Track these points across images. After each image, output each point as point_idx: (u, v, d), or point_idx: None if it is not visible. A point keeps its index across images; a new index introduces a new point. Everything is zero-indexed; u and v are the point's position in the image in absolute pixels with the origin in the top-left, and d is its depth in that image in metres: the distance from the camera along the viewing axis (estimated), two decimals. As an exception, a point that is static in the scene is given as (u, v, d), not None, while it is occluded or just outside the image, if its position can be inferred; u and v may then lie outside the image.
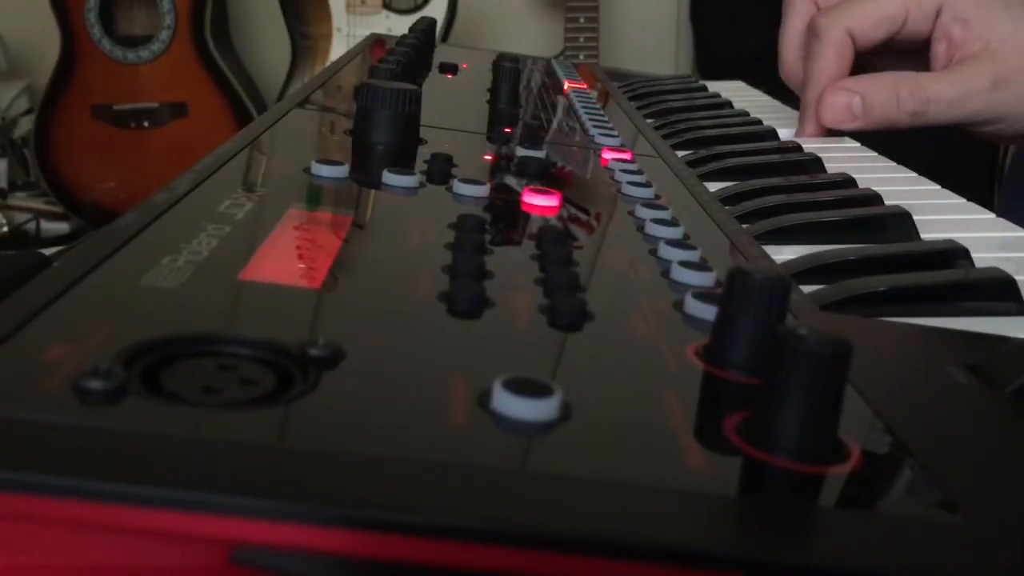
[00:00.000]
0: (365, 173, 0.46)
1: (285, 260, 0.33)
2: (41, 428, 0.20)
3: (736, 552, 0.20)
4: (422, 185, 0.44)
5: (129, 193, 2.01)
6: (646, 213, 0.44)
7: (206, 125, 2.03)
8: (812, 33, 0.70)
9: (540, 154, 0.51)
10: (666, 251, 0.38)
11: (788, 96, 0.95)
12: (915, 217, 0.49)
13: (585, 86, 0.75)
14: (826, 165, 0.63)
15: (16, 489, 0.18)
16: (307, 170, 0.44)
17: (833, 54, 0.69)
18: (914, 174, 0.64)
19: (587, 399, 0.25)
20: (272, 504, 0.19)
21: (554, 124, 0.68)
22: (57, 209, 2.06)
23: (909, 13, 0.68)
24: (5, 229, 2.01)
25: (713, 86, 0.97)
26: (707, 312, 0.31)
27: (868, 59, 0.71)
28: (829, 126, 0.69)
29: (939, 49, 0.68)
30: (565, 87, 0.73)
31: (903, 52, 0.70)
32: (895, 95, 0.66)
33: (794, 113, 0.89)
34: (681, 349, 0.29)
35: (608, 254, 0.39)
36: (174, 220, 0.34)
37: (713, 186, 0.56)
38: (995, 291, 0.40)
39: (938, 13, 0.68)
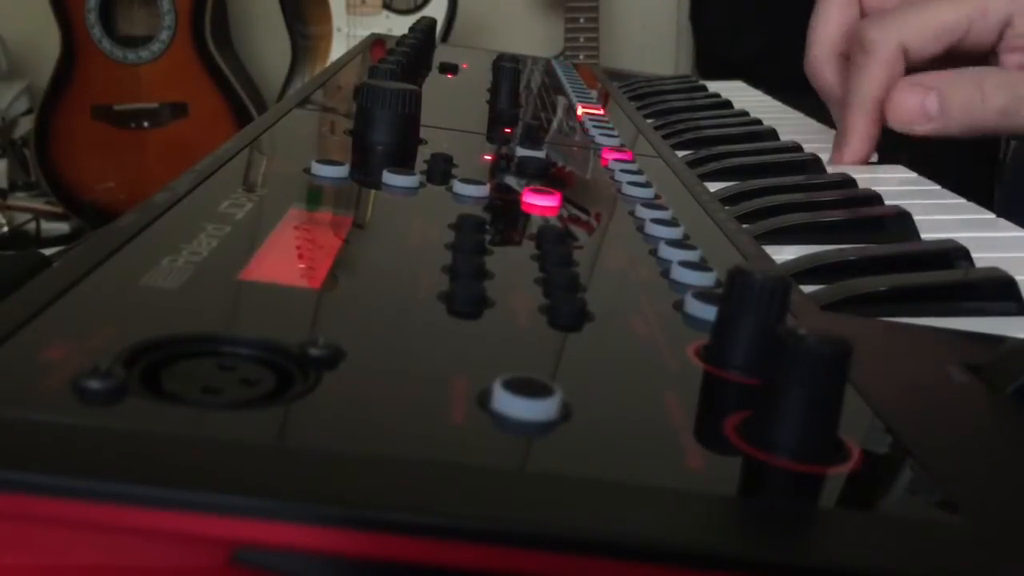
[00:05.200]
0: (365, 173, 0.46)
1: (285, 260, 0.33)
2: (41, 428, 0.20)
3: (736, 552, 0.20)
4: (422, 185, 0.44)
5: (129, 193, 2.01)
6: (646, 213, 0.44)
7: (206, 125, 2.03)
8: (859, 44, 0.62)
9: (540, 154, 0.51)
10: (666, 251, 0.38)
11: (788, 96, 0.95)
12: (915, 217, 0.49)
13: (602, 110, 0.74)
14: (826, 165, 0.63)
15: (16, 489, 0.18)
16: (307, 170, 0.44)
17: (882, 73, 0.61)
18: (914, 174, 0.64)
19: (587, 399, 0.25)
20: (272, 504, 0.19)
21: (554, 124, 0.68)
22: (57, 209, 2.06)
23: (972, 23, 0.60)
24: (5, 229, 2.01)
25: (713, 86, 0.97)
26: (707, 312, 0.31)
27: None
28: (898, 128, 0.61)
29: (1011, 60, 0.60)
30: (579, 113, 0.72)
31: (954, 65, 0.62)
32: (979, 90, 0.58)
33: (795, 114, 0.89)
34: (681, 349, 0.29)
35: (608, 254, 0.39)
36: (174, 220, 0.34)
37: (713, 186, 0.56)
38: (995, 291, 0.40)
39: (1007, 23, 0.60)
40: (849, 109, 0.63)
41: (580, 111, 0.70)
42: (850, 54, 0.64)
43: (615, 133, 0.64)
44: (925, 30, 0.60)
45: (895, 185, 0.59)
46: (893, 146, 0.66)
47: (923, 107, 0.59)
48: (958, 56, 0.62)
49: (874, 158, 0.66)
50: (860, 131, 0.63)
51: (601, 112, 0.72)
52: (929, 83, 0.60)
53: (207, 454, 0.20)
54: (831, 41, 0.68)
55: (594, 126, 0.65)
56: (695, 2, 2.05)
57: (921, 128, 0.60)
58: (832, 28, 0.68)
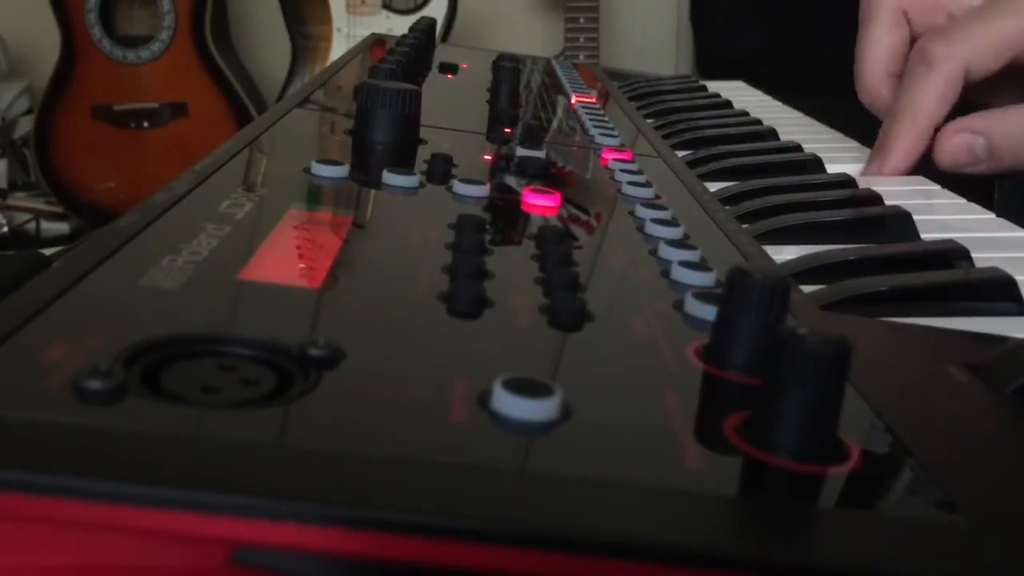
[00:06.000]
0: (365, 173, 0.46)
1: (285, 260, 0.33)
2: (41, 428, 0.20)
3: (736, 552, 0.20)
4: (422, 185, 0.44)
5: (129, 193, 2.01)
6: (646, 213, 0.44)
7: (206, 125, 2.03)
8: (922, 57, 0.60)
9: (540, 154, 0.51)
10: (666, 251, 0.38)
11: (788, 96, 0.95)
12: (915, 217, 0.49)
13: (594, 99, 0.75)
14: (826, 165, 0.63)
15: (16, 489, 0.18)
16: (307, 170, 0.44)
17: (942, 89, 0.60)
18: (918, 176, 0.64)
19: (587, 399, 0.25)
20: (272, 504, 0.19)
21: (554, 124, 0.68)
22: (57, 209, 2.06)
23: None
24: (5, 229, 2.01)
25: (713, 86, 0.97)
26: (707, 312, 0.31)
27: (974, 91, 0.62)
28: (946, 169, 0.60)
29: None
30: (573, 101, 0.73)
31: (1002, 81, 0.61)
32: None
33: (795, 113, 0.89)
34: (681, 349, 0.29)
35: (608, 254, 0.39)
36: (174, 220, 0.34)
37: (713, 186, 0.56)
38: (995, 291, 0.40)
39: None
40: (899, 121, 0.61)
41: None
42: (908, 67, 0.62)
43: (615, 132, 0.64)
44: (988, 48, 0.59)
45: (895, 185, 0.59)
46: None
47: (971, 150, 0.59)
48: (1015, 68, 0.61)
49: None
50: (906, 145, 0.61)
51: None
52: (977, 127, 0.59)
53: (207, 454, 0.20)
54: (883, 62, 0.66)
55: (593, 125, 0.65)
56: (695, 2, 2.04)
57: (968, 170, 0.59)
58: (883, 49, 0.66)
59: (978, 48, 0.59)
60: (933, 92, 0.60)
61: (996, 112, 0.60)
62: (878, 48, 0.66)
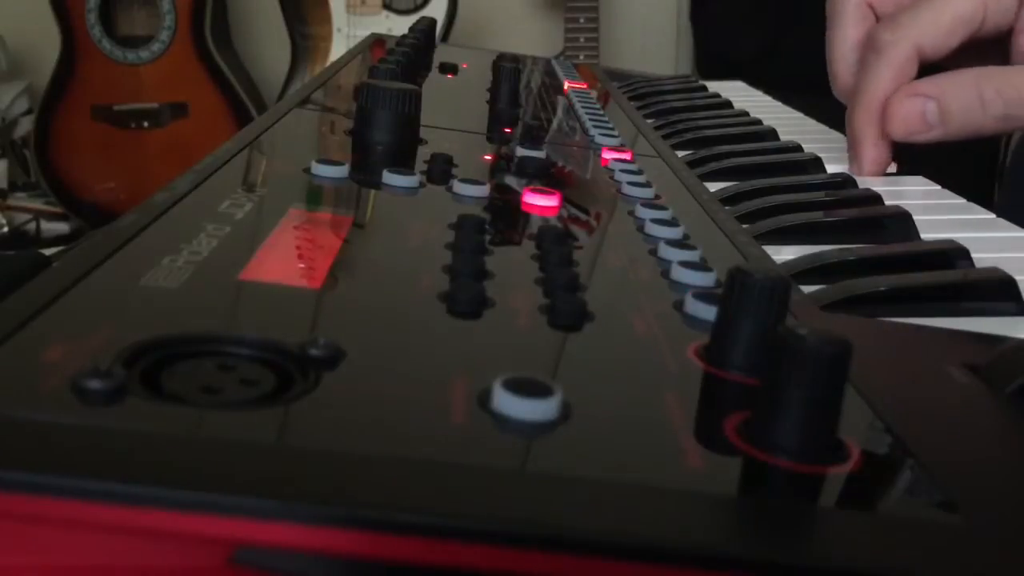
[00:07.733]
0: (365, 173, 0.46)
1: (285, 260, 0.33)
2: (41, 428, 0.20)
3: (736, 552, 0.20)
4: (422, 185, 0.44)
5: (129, 193, 2.01)
6: (646, 213, 0.44)
7: (206, 125, 2.03)
8: (871, 47, 0.60)
9: (540, 154, 0.51)
10: (666, 251, 0.38)
11: (788, 96, 0.95)
12: (915, 217, 0.49)
13: (585, 86, 0.75)
14: (826, 165, 0.63)
15: (16, 489, 0.18)
16: (307, 170, 0.44)
17: (892, 75, 0.59)
18: (919, 177, 0.64)
19: (587, 399, 0.25)
20: (272, 504, 0.19)
21: (554, 124, 0.68)
22: (57, 209, 2.06)
23: (988, 9, 0.58)
24: (5, 229, 2.01)
25: (713, 86, 0.97)
26: (707, 312, 0.31)
27: (936, 65, 0.61)
28: (899, 139, 0.59)
29: (1022, 43, 0.58)
30: (565, 87, 0.73)
31: (973, 52, 0.60)
32: (979, 97, 0.56)
33: (795, 114, 0.89)
34: (681, 349, 0.29)
35: (608, 254, 0.39)
36: (174, 220, 0.34)
37: (713, 186, 0.56)
38: (995, 291, 0.40)
39: (1021, 3, 0.57)
40: (857, 113, 0.61)
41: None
42: (862, 58, 0.62)
43: (615, 132, 0.64)
44: (939, 27, 0.58)
45: (895, 185, 0.59)
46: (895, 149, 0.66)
47: (923, 116, 0.58)
48: (977, 45, 0.60)
49: (892, 168, 0.63)
50: (872, 137, 0.60)
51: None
52: (928, 91, 0.58)
53: (207, 454, 0.20)
54: (853, 57, 0.65)
55: (593, 125, 0.65)
56: (695, 2, 2.05)
57: (922, 137, 0.58)
58: (851, 44, 0.65)
59: (927, 29, 0.58)
60: (885, 79, 0.59)
61: (945, 75, 0.58)
62: (847, 45, 0.65)
